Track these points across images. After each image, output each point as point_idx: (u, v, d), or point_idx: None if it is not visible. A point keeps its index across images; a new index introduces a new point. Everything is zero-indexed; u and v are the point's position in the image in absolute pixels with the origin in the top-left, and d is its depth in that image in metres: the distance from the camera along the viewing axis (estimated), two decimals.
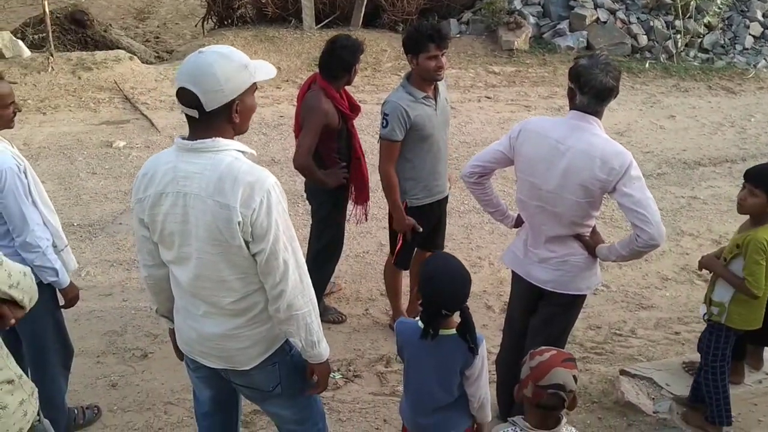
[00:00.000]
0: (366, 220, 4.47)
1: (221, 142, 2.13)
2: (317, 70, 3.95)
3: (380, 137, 3.75)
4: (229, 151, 2.13)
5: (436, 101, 3.77)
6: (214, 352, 2.35)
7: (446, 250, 5.26)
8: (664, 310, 4.72)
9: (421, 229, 3.92)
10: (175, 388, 3.81)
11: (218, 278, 2.20)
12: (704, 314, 3.31)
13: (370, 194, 4.39)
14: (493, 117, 7.89)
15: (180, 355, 2.58)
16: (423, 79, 3.68)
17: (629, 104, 8.33)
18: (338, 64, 3.81)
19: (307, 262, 4.26)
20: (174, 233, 2.19)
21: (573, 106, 2.93)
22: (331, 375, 3.97)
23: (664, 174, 6.70)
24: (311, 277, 4.25)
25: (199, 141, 2.12)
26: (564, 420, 2.19)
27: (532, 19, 9.93)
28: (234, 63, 2.11)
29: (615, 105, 8.23)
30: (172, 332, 2.56)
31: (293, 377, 2.45)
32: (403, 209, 3.87)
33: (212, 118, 2.12)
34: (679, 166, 6.88)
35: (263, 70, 2.19)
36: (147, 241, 2.32)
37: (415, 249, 4.18)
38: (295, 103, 4.29)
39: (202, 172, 2.10)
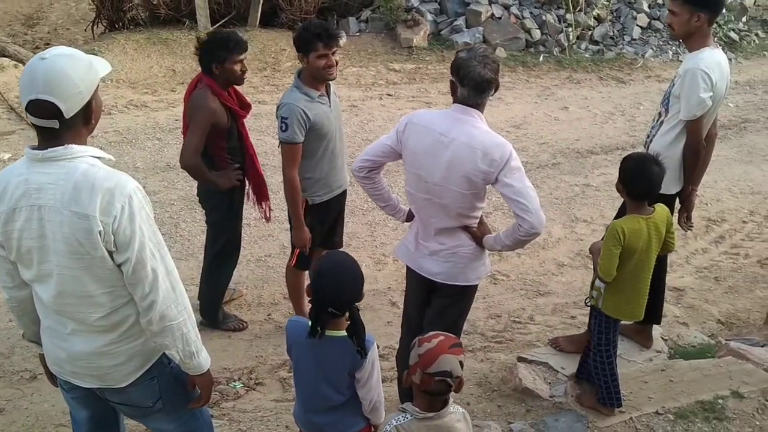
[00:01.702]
0: (269, 219, 4.39)
1: (75, 148, 2.02)
2: None
3: (281, 141, 3.67)
4: (84, 157, 2.03)
5: (329, 98, 3.76)
6: (87, 371, 2.24)
7: (351, 248, 5.26)
8: (561, 295, 4.86)
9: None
10: (66, 410, 3.59)
11: (83, 293, 2.09)
12: (586, 298, 3.42)
13: (273, 196, 4.33)
14: (395, 114, 7.92)
15: (53, 380, 2.45)
16: (314, 78, 3.65)
17: (525, 97, 8.55)
18: (210, 58, 3.72)
19: (203, 269, 4.25)
20: (32, 250, 2.06)
21: (455, 99, 2.96)
22: (231, 385, 3.91)
23: (559, 164, 6.92)
24: (208, 284, 4.22)
25: (50, 150, 2.00)
26: (451, 400, 2.26)
27: (429, 17, 10.03)
28: (83, 61, 2.02)
29: (511, 99, 8.47)
30: (42, 357, 2.41)
31: (174, 390, 2.36)
32: (304, 210, 3.83)
33: (70, 125, 2.02)
34: (572, 156, 7.11)
35: (103, 65, 2.10)
36: (4, 261, 2.17)
37: (315, 248, 4.14)
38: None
39: (56, 182, 1.99)
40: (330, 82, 3.77)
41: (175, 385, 2.36)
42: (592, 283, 3.38)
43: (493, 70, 2.88)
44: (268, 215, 4.31)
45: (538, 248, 5.42)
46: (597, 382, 3.37)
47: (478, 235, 3.08)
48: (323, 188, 3.87)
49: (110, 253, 2.03)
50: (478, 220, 3.11)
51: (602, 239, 3.26)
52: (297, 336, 2.48)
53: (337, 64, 3.65)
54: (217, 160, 3.90)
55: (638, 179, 3.13)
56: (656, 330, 4.07)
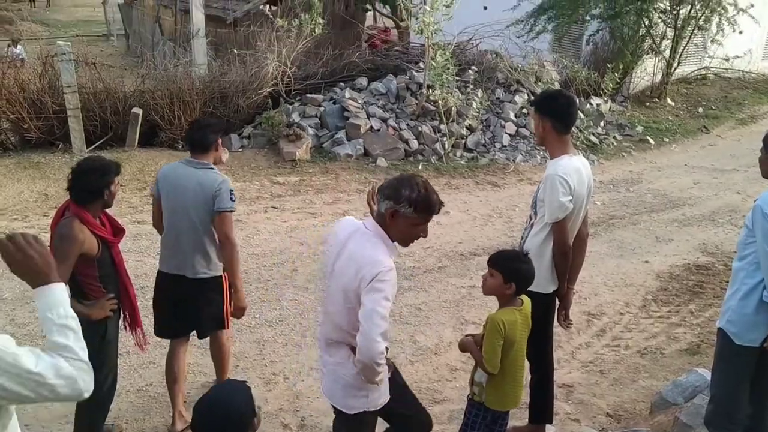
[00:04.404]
0: (143, 347, 4.17)
1: None
2: None
3: (228, 210, 3.98)
4: None
5: None
6: None
7: (239, 369, 5.06)
8: (456, 401, 4.82)
9: None
10: None
11: None
12: (468, 395, 3.43)
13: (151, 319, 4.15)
14: (281, 226, 7.92)
15: None
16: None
17: None
18: (85, 188, 3.60)
19: (77, 406, 3.92)
20: None
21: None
22: None
23: (445, 267, 7.06)
24: (83, 422, 3.90)
25: None
26: None
27: (311, 131, 10.30)
28: None
29: None
30: None
31: None
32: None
33: None
34: (457, 258, 7.29)
35: None
36: None
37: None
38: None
39: None
40: None
41: None
42: (472, 379, 3.40)
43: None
44: (141, 342, 4.13)
45: (431, 354, 5.41)
46: None
47: None
48: None
49: None
50: None
51: (467, 335, 3.38)
52: None
53: None
54: (89, 289, 3.71)
55: (521, 275, 3.27)
56: (549, 429, 4.10)
